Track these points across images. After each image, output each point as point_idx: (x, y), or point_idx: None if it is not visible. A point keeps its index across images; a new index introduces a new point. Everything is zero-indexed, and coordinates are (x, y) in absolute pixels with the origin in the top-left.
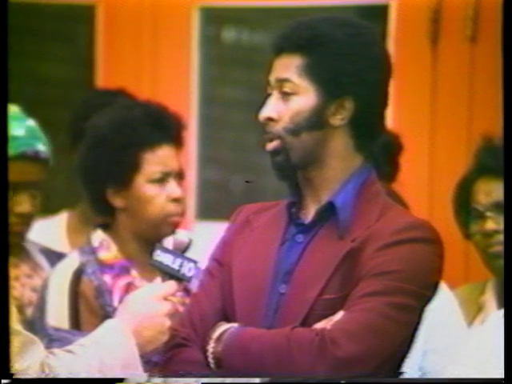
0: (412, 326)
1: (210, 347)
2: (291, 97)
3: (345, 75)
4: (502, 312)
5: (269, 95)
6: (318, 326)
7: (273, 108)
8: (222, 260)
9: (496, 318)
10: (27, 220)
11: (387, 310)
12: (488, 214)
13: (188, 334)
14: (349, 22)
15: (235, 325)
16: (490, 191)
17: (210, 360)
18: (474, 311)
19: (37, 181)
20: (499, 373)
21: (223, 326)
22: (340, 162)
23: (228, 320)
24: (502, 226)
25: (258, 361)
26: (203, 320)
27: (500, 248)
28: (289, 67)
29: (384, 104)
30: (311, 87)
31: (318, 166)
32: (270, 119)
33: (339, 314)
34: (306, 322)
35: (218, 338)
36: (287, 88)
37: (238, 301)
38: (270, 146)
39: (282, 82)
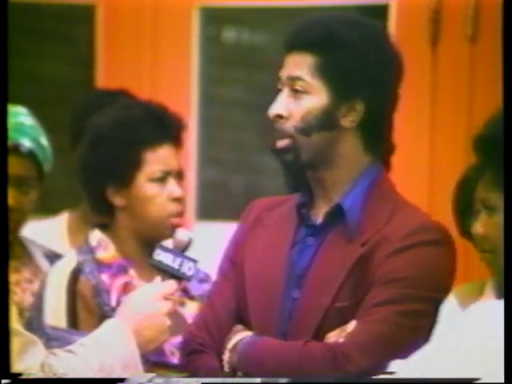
0: (424, 330)
1: (226, 357)
2: (302, 95)
3: (358, 77)
4: (484, 303)
5: (279, 91)
6: (331, 337)
7: (283, 105)
8: (235, 259)
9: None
10: (14, 216)
11: (398, 318)
12: (480, 214)
13: (204, 338)
14: (362, 23)
15: (249, 333)
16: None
17: (226, 369)
18: None
19: (22, 176)
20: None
21: (238, 336)
22: (349, 163)
23: (242, 321)
24: (489, 230)
25: (273, 373)
26: (218, 322)
27: (488, 255)
28: (301, 65)
29: (393, 107)
30: (323, 87)
31: (328, 166)
32: (280, 117)
33: (351, 325)
34: (320, 330)
35: (233, 348)
36: (299, 86)
37: (252, 304)
38: (281, 144)
39: (293, 79)
